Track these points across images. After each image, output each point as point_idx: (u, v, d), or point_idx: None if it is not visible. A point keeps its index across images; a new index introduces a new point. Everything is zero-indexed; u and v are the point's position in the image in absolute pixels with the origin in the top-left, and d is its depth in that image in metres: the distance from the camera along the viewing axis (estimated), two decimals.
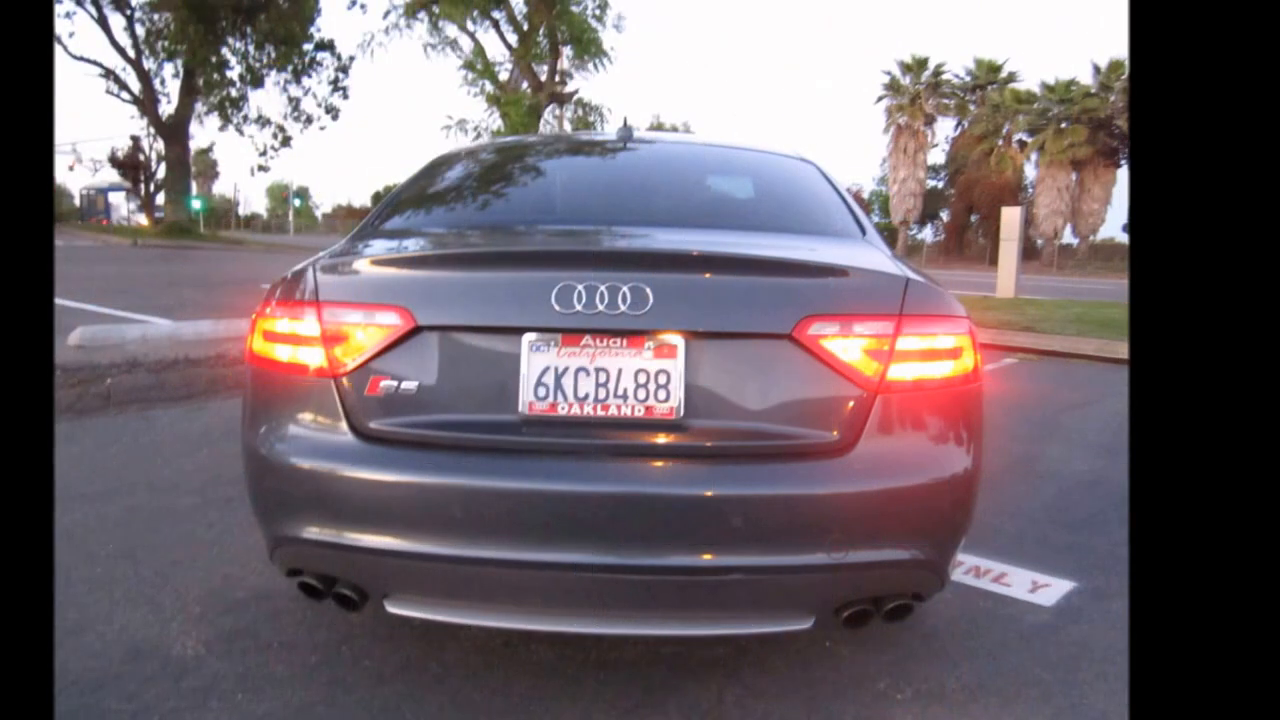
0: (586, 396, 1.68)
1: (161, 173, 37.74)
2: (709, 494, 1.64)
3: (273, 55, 27.40)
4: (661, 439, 1.68)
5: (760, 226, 2.34)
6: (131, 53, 27.88)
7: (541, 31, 26.25)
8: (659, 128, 39.74)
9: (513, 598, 1.81)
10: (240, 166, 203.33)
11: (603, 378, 1.69)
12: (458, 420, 1.71)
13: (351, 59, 28.77)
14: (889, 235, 37.38)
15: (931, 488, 1.74)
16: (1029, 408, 5.54)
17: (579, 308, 1.66)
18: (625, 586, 1.71)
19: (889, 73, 44.17)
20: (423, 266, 1.87)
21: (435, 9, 26.23)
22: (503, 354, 1.71)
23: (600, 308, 1.66)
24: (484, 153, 2.99)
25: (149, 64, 28.33)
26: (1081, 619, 2.44)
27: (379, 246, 2.06)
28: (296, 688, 1.97)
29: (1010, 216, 14.89)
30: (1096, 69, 39.15)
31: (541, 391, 1.69)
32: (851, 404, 1.70)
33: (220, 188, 76.21)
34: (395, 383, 1.72)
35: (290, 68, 27.86)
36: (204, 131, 70.37)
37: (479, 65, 27.06)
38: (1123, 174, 39.08)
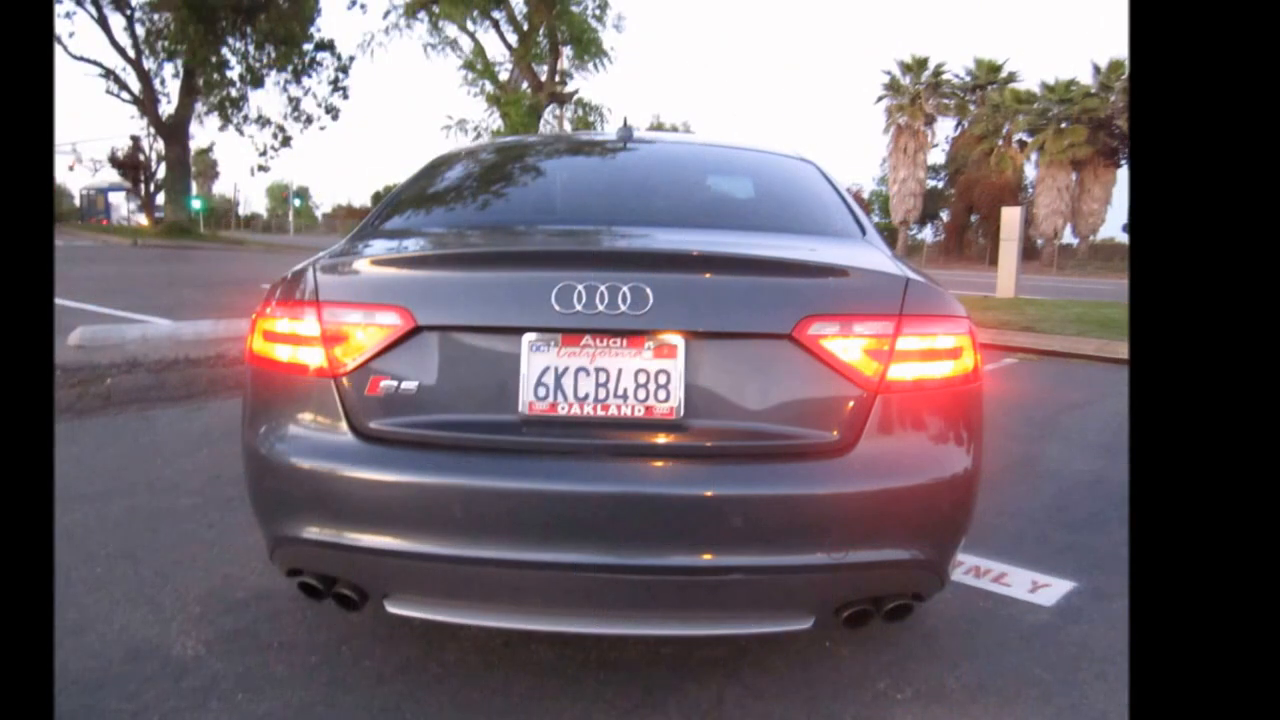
0: (586, 396, 1.68)
1: (161, 173, 37.72)
2: (709, 494, 1.64)
3: (273, 55, 27.39)
4: (661, 439, 1.68)
5: (760, 226, 2.34)
6: (131, 53, 27.90)
7: (541, 31, 26.24)
8: (659, 128, 39.72)
9: (513, 598, 1.80)
10: (240, 166, 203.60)
11: (603, 378, 1.69)
12: (458, 420, 1.71)
13: (351, 59, 28.80)
14: (889, 235, 37.37)
15: (931, 488, 1.74)
16: (1029, 407, 5.54)
17: (579, 308, 1.66)
18: (625, 586, 1.71)
19: (889, 73, 44.24)
20: (423, 266, 1.87)
21: (435, 9, 26.23)
22: (503, 354, 1.71)
23: (600, 308, 1.66)
24: (484, 153, 2.99)
25: (149, 64, 28.36)
26: (1081, 619, 2.44)
27: (379, 246, 2.06)
28: (296, 688, 1.97)
29: (1010, 216, 14.89)
30: (1096, 69, 39.16)
31: (541, 391, 1.69)
32: (851, 404, 1.70)
33: (220, 188, 76.31)
34: (395, 383, 1.72)
35: (290, 68, 27.85)
36: (204, 131, 70.26)
37: (479, 65, 27.06)
38: (1123, 174, 39.08)
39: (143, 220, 47.02)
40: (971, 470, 1.79)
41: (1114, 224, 41.01)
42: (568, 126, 27.87)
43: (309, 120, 29.02)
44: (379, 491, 1.69)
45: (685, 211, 2.43)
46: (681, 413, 1.67)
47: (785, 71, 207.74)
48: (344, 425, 1.72)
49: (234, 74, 27.47)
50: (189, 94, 28.47)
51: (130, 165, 46.31)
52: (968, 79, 44.31)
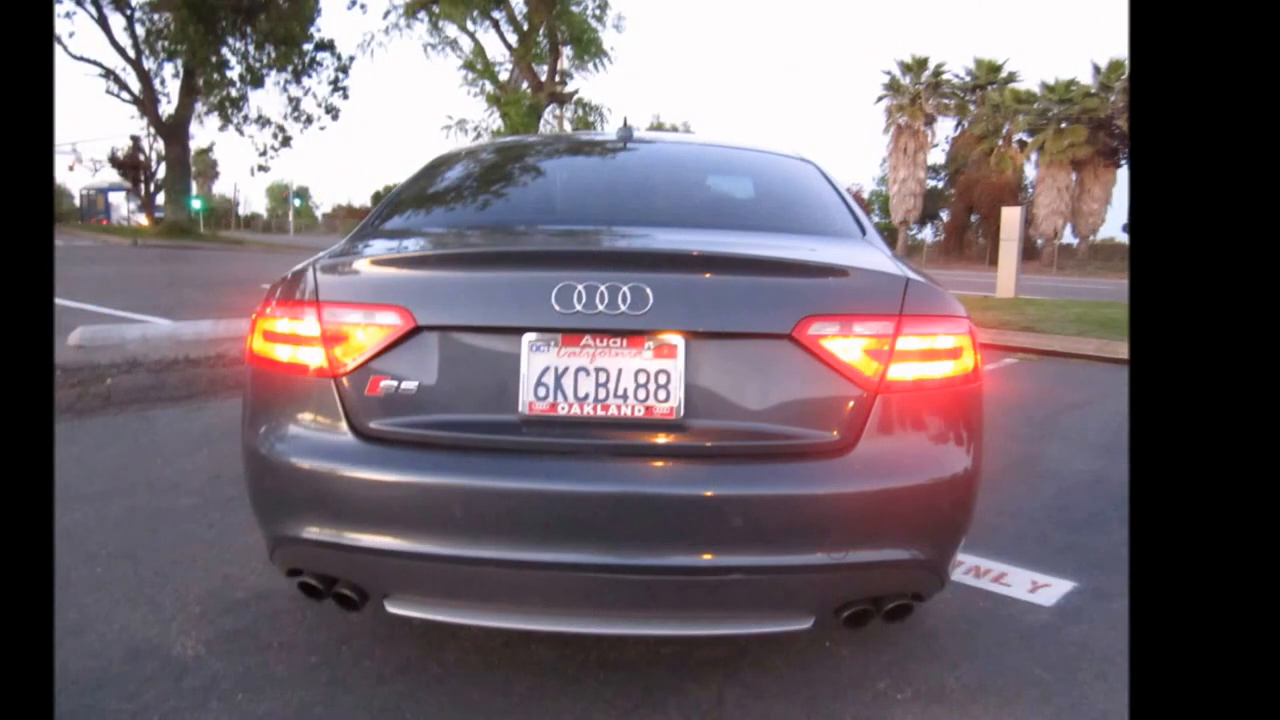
0: (586, 396, 1.68)
1: (161, 173, 37.72)
2: (709, 494, 1.64)
3: (273, 55, 27.40)
4: (661, 439, 1.68)
5: (760, 226, 2.34)
6: (131, 53, 27.92)
7: (541, 31, 26.23)
8: (659, 128, 39.72)
9: (513, 598, 1.80)
10: (240, 166, 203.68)
11: (603, 378, 1.69)
12: (458, 420, 1.71)
13: (351, 59, 28.83)
14: (889, 235, 37.34)
15: (931, 488, 1.74)
16: (1029, 407, 5.54)
17: (579, 308, 1.66)
18: (625, 586, 1.71)
19: (889, 73, 44.26)
20: (423, 266, 1.87)
21: (435, 9, 26.21)
22: (503, 354, 1.71)
23: (600, 308, 1.66)
24: (484, 153, 2.99)
25: (149, 64, 28.38)
26: (1081, 619, 2.44)
27: (379, 246, 2.06)
28: (296, 688, 1.97)
29: (1010, 216, 14.88)
30: (1096, 69, 39.16)
31: (541, 391, 1.69)
32: (851, 404, 1.70)
33: (220, 188, 76.34)
34: (395, 383, 1.72)
35: (290, 68, 27.86)
36: (204, 131, 70.07)
37: (479, 65, 27.05)
38: (1123, 174, 39.08)
39: (143, 220, 46.98)
40: (971, 470, 1.79)
41: (1114, 224, 41.07)
42: (568, 126, 27.86)
43: (309, 120, 29.03)
44: (379, 491, 1.69)
45: (685, 211, 2.43)
46: (681, 413, 1.67)
47: (785, 71, 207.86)
48: (344, 425, 1.72)
49: (234, 74, 27.51)
50: (189, 94, 28.48)
51: (130, 165, 46.29)
52: (968, 79, 44.31)
